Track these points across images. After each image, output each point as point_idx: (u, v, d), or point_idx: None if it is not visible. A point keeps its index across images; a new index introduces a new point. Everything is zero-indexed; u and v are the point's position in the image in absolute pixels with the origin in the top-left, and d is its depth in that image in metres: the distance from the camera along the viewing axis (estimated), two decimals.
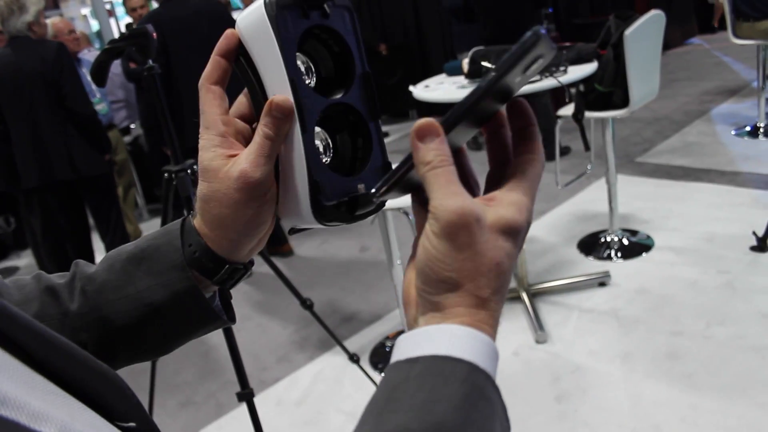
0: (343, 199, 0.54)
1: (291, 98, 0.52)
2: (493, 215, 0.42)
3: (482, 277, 0.41)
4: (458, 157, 0.46)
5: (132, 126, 5.49)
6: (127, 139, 5.41)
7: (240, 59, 0.55)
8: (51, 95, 3.46)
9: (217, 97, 0.55)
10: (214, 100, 0.55)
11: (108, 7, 10.79)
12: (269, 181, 0.54)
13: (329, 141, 0.57)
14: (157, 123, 2.33)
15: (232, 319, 0.64)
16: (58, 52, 3.46)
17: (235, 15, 4.33)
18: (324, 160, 0.56)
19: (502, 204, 0.43)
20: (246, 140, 0.56)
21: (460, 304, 0.41)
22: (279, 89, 0.53)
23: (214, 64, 0.55)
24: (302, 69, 0.56)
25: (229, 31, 0.54)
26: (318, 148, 0.55)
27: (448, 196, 0.41)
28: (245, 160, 0.52)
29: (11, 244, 5.90)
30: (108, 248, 3.88)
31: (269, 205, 0.55)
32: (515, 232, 0.43)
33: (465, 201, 0.41)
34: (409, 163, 0.44)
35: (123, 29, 5.82)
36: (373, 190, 0.47)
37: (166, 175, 2.04)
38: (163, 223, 2.11)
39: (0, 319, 0.40)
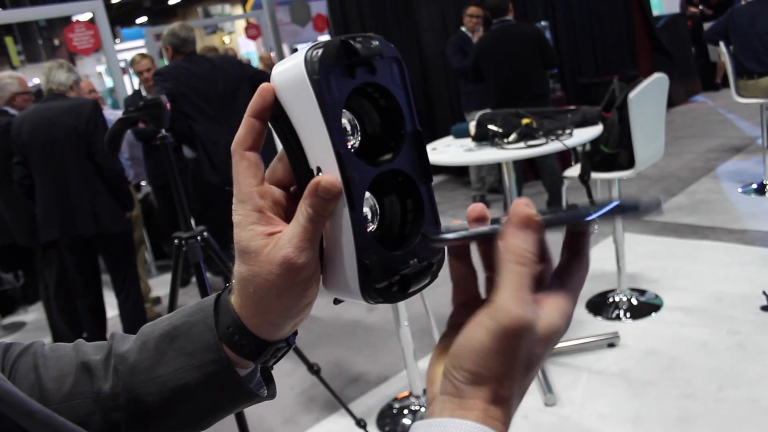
0: (395, 278, 0.49)
1: (338, 175, 0.46)
2: (545, 323, 0.42)
3: (510, 379, 0.43)
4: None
5: (142, 183, 5.56)
6: (138, 196, 5.47)
7: (277, 117, 0.49)
8: (81, 150, 3.52)
9: (252, 166, 0.49)
10: (248, 169, 0.49)
11: (122, 65, 11.05)
12: (314, 262, 0.49)
13: (377, 205, 0.52)
14: (167, 182, 2.37)
15: (273, 395, 0.60)
16: (93, 110, 3.56)
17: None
18: (371, 228, 0.51)
19: (553, 309, 0.43)
20: (284, 210, 0.51)
21: (478, 398, 0.42)
22: (323, 161, 0.47)
23: (247, 126, 0.49)
24: (347, 128, 0.51)
25: (264, 87, 0.48)
26: (366, 219, 0.51)
27: (514, 300, 0.41)
28: (289, 244, 0.48)
29: (19, 299, 5.91)
30: (121, 305, 3.88)
31: (314, 286, 0.50)
32: (556, 339, 0.44)
33: (526, 310, 0.41)
34: (493, 234, 0.43)
35: (136, 86, 5.96)
36: (442, 235, 0.43)
37: (176, 241, 2.02)
38: (173, 289, 2.13)
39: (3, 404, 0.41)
